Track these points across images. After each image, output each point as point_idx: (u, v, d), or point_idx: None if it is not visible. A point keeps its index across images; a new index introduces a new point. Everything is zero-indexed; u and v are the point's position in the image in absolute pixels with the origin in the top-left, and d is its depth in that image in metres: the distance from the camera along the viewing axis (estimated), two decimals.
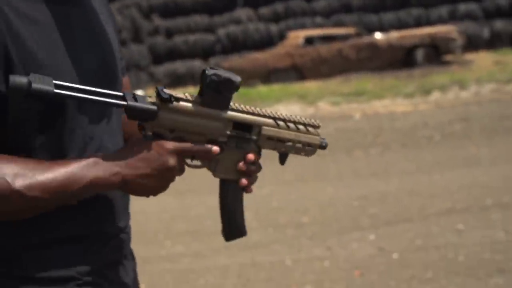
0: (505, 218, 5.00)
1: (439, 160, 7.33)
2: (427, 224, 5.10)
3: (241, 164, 1.30)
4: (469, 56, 15.75)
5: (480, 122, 9.27)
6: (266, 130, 1.31)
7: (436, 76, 13.53)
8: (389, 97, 12.50)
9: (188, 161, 1.27)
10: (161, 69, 17.74)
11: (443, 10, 17.68)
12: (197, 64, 17.78)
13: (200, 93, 1.23)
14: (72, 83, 1.13)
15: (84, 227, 1.23)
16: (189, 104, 1.22)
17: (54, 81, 1.09)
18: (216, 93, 1.22)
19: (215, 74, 1.22)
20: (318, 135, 1.41)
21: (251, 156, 1.30)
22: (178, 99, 1.21)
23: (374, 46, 15.03)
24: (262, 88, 14.58)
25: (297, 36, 15.64)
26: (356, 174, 7.20)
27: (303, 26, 17.70)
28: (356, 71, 14.81)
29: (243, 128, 1.29)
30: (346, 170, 7.41)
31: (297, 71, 15.33)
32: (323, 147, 1.41)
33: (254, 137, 1.30)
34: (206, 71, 1.22)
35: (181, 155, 1.22)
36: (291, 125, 1.35)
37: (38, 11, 1.15)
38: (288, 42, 15.61)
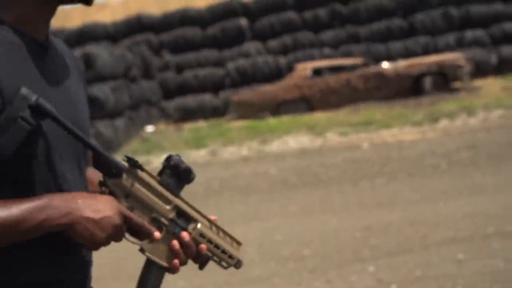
0: (505, 247, 4.99)
1: (444, 189, 7.33)
2: (427, 254, 5.10)
3: (174, 241, 1.34)
4: (477, 82, 15.78)
5: (488, 149, 9.26)
6: (202, 227, 1.38)
7: (444, 104, 13.56)
8: (397, 126, 12.54)
9: (127, 234, 1.33)
10: (172, 104, 17.91)
11: (450, 37, 17.76)
12: (207, 98, 17.96)
13: (160, 174, 1.33)
14: None
15: (48, 273, 1.28)
16: (150, 178, 1.32)
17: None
18: (175, 177, 1.33)
19: (180, 161, 1.33)
20: (239, 251, 1.45)
21: (185, 235, 1.34)
22: (143, 169, 1.30)
23: (381, 75, 15.11)
24: (271, 120, 14.68)
25: (305, 68, 15.78)
26: (361, 204, 7.21)
27: (311, 58, 17.84)
28: (365, 101, 14.87)
29: (184, 218, 1.37)
30: (351, 201, 7.43)
31: (306, 103, 15.43)
32: (239, 263, 1.43)
33: (190, 230, 1.36)
34: (173, 156, 1.33)
35: (127, 222, 1.28)
36: (221, 233, 1.42)
37: (27, 66, 1.25)
38: (297, 73, 15.75)
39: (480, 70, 16.36)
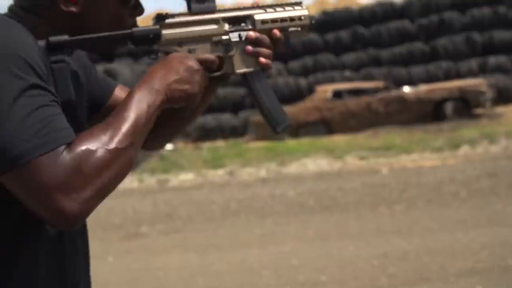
0: None
1: (463, 218, 7.23)
2: (445, 284, 5.01)
3: (248, 47, 1.37)
4: (499, 109, 15.64)
5: (509, 177, 9.14)
6: (259, 16, 1.39)
7: (465, 130, 13.44)
8: (417, 151, 12.44)
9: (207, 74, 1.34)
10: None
11: (473, 63, 17.67)
12: (226, 117, 17.99)
13: (187, 7, 1.34)
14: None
15: None
16: (183, 16, 1.33)
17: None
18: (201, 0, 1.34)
19: None
20: (305, 9, 1.46)
21: (251, 34, 1.37)
22: (172, 16, 1.32)
23: (402, 99, 15.04)
24: (290, 142, 14.64)
25: (325, 90, 15.75)
26: (379, 231, 7.13)
27: (332, 80, 17.83)
28: (385, 125, 14.79)
29: (238, 22, 1.38)
30: (369, 227, 7.35)
31: (325, 125, 15.39)
32: (312, 17, 1.45)
33: (250, 26, 1.38)
34: None
35: (201, 63, 1.30)
36: (277, 8, 1.43)
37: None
38: (317, 96, 15.73)
39: (503, 97, 16.24)
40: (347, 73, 18.40)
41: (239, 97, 18.64)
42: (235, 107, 18.48)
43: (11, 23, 1.18)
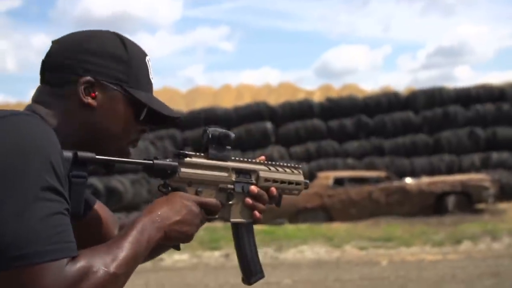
0: None
1: None
2: None
3: (247, 199, 1.49)
4: (502, 205, 15.46)
5: None
6: (263, 173, 1.52)
7: (467, 225, 13.22)
8: (418, 244, 12.19)
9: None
10: None
11: (476, 157, 17.65)
12: None
13: (205, 150, 1.44)
14: None
15: None
16: (200, 159, 1.42)
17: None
18: (218, 146, 1.43)
19: (215, 130, 1.44)
20: (302, 175, 1.61)
21: (253, 188, 1.49)
22: (190, 155, 1.41)
23: (404, 190, 14.90)
24: (289, 227, 14.41)
25: (327, 177, 15.64)
26: None
27: (334, 167, 17.77)
28: (386, 215, 14.60)
29: (244, 174, 1.50)
30: None
31: (325, 212, 15.19)
32: (306, 185, 1.61)
33: (254, 181, 1.51)
34: (207, 130, 1.44)
35: (203, 206, 1.39)
36: (279, 168, 1.57)
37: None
38: (318, 182, 15.60)
39: (505, 193, 16.11)
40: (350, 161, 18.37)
41: None
42: None
43: (43, 126, 1.21)
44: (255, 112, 19.81)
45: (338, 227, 14.20)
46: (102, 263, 1.17)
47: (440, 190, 14.75)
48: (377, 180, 15.49)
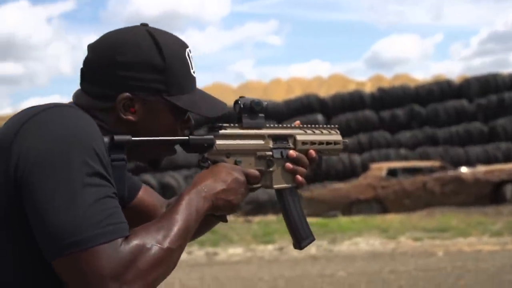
0: None
1: None
2: None
3: (287, 164, 1.49)
4: None
5: None
6: (299, 137, 1.52)
7: None
8: (475, 234, 11.97)
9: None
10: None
11: None
12: None
13: (238, 120, 1.45)
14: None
15: None
16: (234, 129, 1.44)
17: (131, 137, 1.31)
18: (251, 114, 1.44)
19: (245, 100, 1.45)
20: (339, 135, 1.60)
21: (291, 153, 1.49)
22: (225, 127, 1.42)
23: (459, 180, 14.63)
24: (342, 219, 14.34)
25: (380, 168, 15.49)
26: None
27: (387, 158, 17.57)
28: (441, 205, 14.36)
29: (281, 139, 1.50)
30: None
31: (379, 204, 15.05)
32: (345, 144, 1.60)
33: (292, 145, 1.51)
34: (238, 100, 1.45)
35: (245, 175, 1.40)
36: (316, 130, 1.57)
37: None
38: (371, 173, 15.46)
39: None
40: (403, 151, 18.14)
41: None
42: None
43: (84, 115, 1.24)
44: (306, 105, 19.74)
45: (393, 219, 14.06)
46: (155, 239, 1.19)
47: (497, 179, 14.42)
48: (431, 170, 15.25)
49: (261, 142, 1.46)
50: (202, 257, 11.83)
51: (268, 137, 1.47)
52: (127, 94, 1.31)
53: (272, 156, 1.48)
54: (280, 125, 1.51)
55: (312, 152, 1.52)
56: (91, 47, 1.35)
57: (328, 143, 1.56)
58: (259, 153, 1.46)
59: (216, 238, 13.46)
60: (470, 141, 17.89)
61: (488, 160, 16.74)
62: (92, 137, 1.20)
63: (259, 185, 1.47)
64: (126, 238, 1.17)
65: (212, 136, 1.40)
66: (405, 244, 11.79)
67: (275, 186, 1.50)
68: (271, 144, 1.48)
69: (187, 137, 1.37)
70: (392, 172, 15.36)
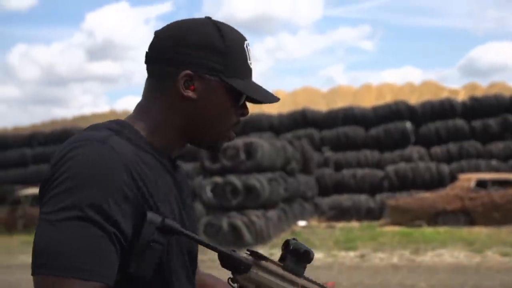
0: None
1: None
2: None
3: None
4: None
5: None
6: None
7: None
8: None
9: None
10: (327, 201, 17.81)
11: None
12: (363, 198, 17.67)
13: (282, 259, 1.42)
14: None
15: None
16: (275, 266, 1.40)
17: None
18: (296, 260, 1.41)
19: (298, 245, 1.42)
20: None
21: None
22: (267, 260, 1.39)
23: None
24: (427, 230, 14.05)
25: (469, 179, 15.07)
26: None
27: (477, 169, 17.08)
28: None
29: None
30: None
31: (466, 215, 14.64)
32: None
33: None
34: (290, 241, 1.42)
35: None
36: None
37: (159, 177, 1.36)
38: (459, 184, 15.06)
39: None
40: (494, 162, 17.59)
41: (377, 179, 18.31)
42: (372, 189, 18.13)
43: (112, 155, 1.24)
44: (394, 112, 19.46)
45: (480, 232, 13.65)
46: None
47: None
48: None
49: None
50: None
51: (302, 287, 1.44)
52: (188, 71, 1.35)
53: None
54: (316, 281, 1.48)
55: None
56: (157, 33, 1.41)
57: None
58: None
59: None
60: None
61: None
62: (112, 177, 1.21)
63: None
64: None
65: (251, 263, 1.37)
66: (491, 259, 11.43)
67: None
68: None
69: (229, 252, 1.36)
70: (481, 184, 14.91)
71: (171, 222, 1.27)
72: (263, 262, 1.39)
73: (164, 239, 1.27)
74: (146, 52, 1.41)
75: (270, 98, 1.42)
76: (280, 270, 1.41)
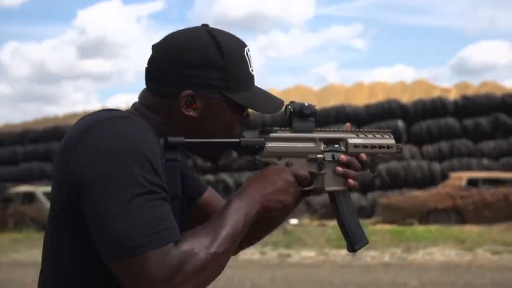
0: None
1: None
2: None
3: (337, 168, 1.49)
4: None
5: None
6: (351, 140, 1.52)
7: None
8: None
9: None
10: (318, 199, 17.84)
11: None
12: (355, 196, 17.69)
13: (289, 124, 1.46)
14: None
15: None
16: (286, 132, 1.45)
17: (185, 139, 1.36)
18: (302, 118, 1.46)
19: (296, 103, 1.46)
20: (392, 139, 1.60)
21: (342, 157, 1.50)
22: (276, 130, 1.44)
23: None
24: (419, 228, 14.10)
25: (459, 177, 15.13)
26: None
27: (468, 167, 17.15)
28: None
29: (333, 142, 1.51)
30: None
31: (457, 214, 14.71)
32: (398, 148, 1.60)
33: (343, 148, 1.52)
34: (289, 104, 1.47)
35: (296, 177, 1.41)
36: (368, 134, 1.57)
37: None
38: (450, 182, 15.13)
39: None
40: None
41: (368, 177, 18.35)
42: (364, 187, 18.17)
43: (139, 122, 1.31)
44: (386, 110, 19.50)
45: (471, 230, 13.71)
46: (203, 244, 1.24)
47: None
48: None
49: (312, 145, 1.47)
50: (274, 258, 11.90)
51: (319, 140, 1.49)
52: (190, 91, 1.37)
53: (324, 159, 1.49)
54: (332, 129, 1.53)
55: (363, 155, 1.52)
56: (155, 47, 1.42)
57: (380, 146, 1.56)
58: (310, 156, 1.47)
59: (290, 240, 13.51)
60: None
61: None
62: (146, 146, 1.26)
63: (311, 187, 1.48)
64: (176, 243, 1.23)
65: (263, 139, 1.42)
66: (482, 257, 11.48)
67: (327, 189, 1.50)
68: (322, 147, 1.49)
69: (238, 140, 1.40)
70: (472, 182, 14.98)
71: (174, 138, 1.34)
72: (274, 134, 1.43)
73: (175, 155, 1.34)
74: (146, 68, 1.42)
75: (275, 107, 1.44)
76: (291, 134, 1.45)
